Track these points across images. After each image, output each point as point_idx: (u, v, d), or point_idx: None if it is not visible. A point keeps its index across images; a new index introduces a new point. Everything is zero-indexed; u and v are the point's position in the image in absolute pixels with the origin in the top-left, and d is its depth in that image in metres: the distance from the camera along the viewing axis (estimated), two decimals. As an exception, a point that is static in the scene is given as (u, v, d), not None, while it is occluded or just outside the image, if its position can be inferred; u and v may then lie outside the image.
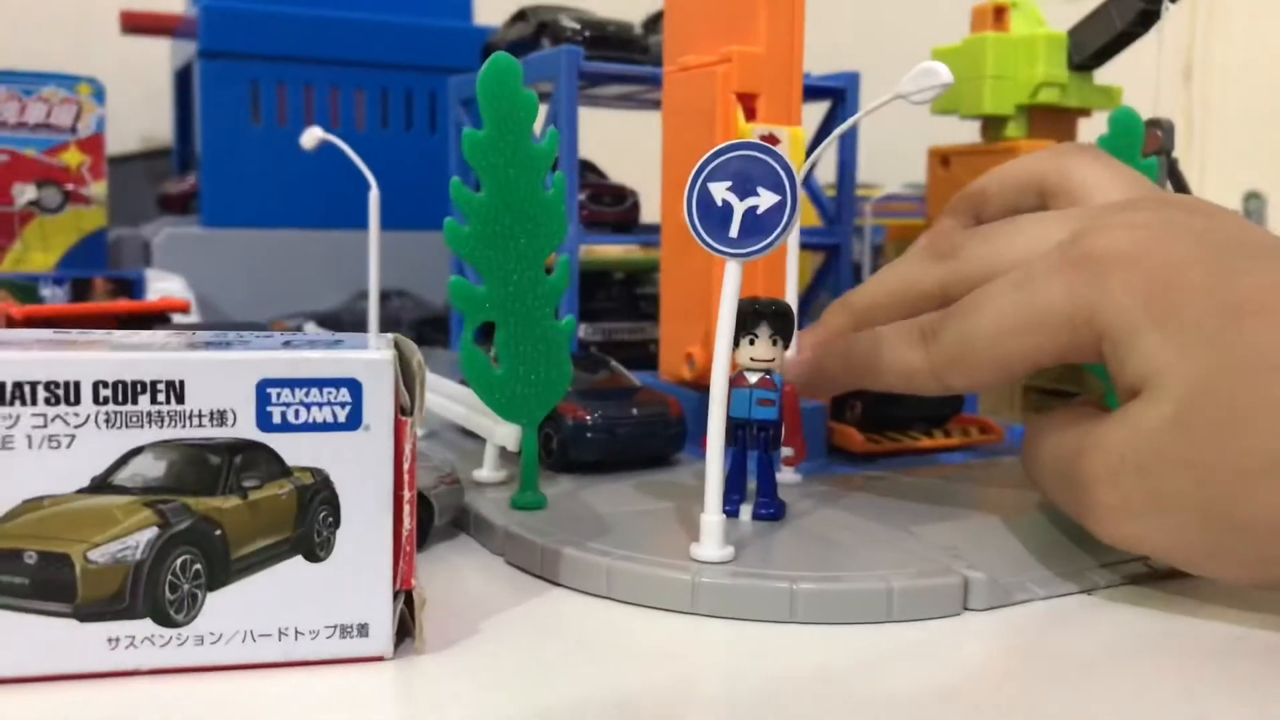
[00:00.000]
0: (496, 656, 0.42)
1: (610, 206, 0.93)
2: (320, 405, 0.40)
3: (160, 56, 1.33)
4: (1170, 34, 2.07)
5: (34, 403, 0.38)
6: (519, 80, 0.51)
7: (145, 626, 0.39)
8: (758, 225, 0.45)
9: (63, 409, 0.38)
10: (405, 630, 0.43)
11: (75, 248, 1.11)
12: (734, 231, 0.46)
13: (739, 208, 0.45)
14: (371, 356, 0.40)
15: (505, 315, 0.53)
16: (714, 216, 0.46)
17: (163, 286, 0.96)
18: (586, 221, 0.90)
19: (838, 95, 0.91)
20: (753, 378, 0.53)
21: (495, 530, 0.54)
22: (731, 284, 0.45)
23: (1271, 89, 2.04)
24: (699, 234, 0.47)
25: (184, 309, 0.83)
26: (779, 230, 0.45)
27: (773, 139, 0.64)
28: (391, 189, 0.89)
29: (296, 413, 0.40)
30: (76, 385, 0.38)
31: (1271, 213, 1.67)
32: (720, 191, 0.46)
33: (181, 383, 0.39)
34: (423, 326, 1.12)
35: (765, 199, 0.45)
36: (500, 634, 0.45)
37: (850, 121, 0.61)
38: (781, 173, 0.45)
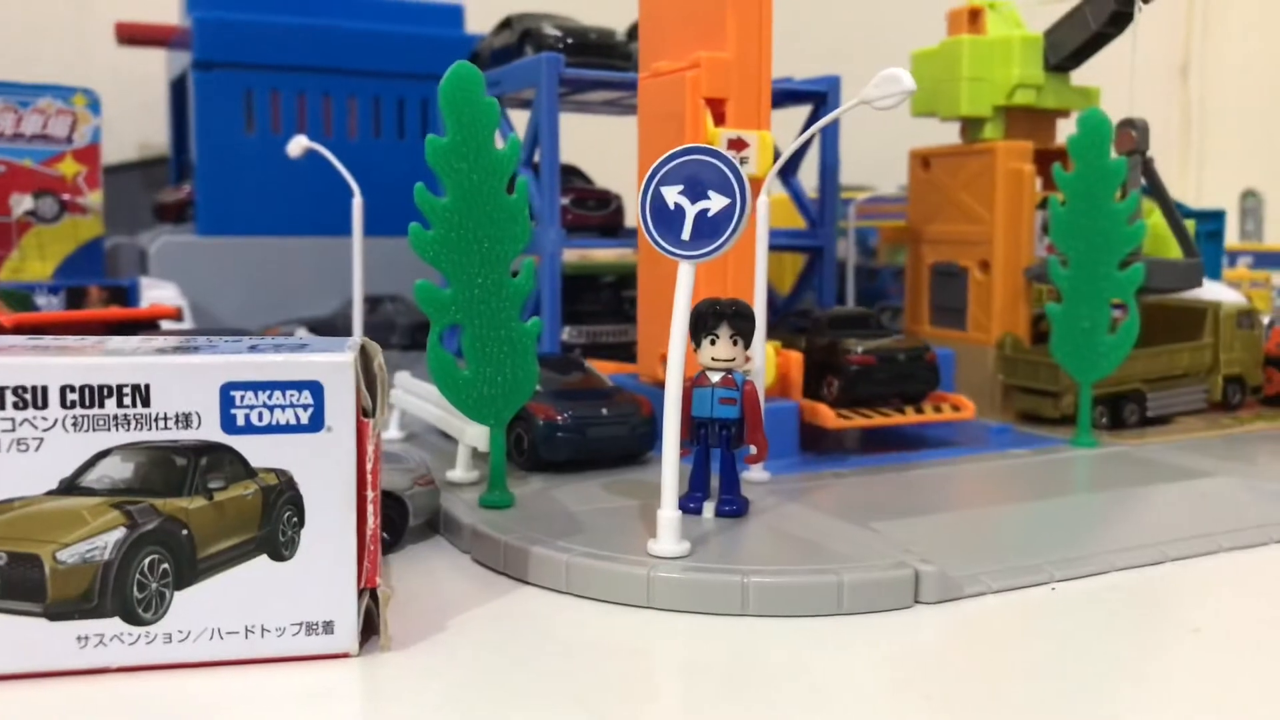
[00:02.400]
0: (460, 652, 0.43)
1: (594, 210, 0.94)
2: (283, 407, 0.41)
3: (156, 67, 1.34)
4: (1166, 32, 2.07)
5: (3, 407, 0.39)
6: (480, 87, 0.53)
7: (114, 625, 0.40)
8: (709, 228, 0.47)
9: (31, 413, 0.39)
10: (371, 627, 0.43)
11: (72, 257, 1.12)
12: (686, 234, 0.47)
13: (690, 211, 0.47)
14: (332, 359, 0.41)
15: (470, 318, 0.54)
16: (667, 219, 0.47)
17: (155, 294, 0.97)
18: (571, 225, 0.91)
19: (819, 98, 0.91)
20: (714, 377, 0.54)
21: (463, 529, 0.55)
22: (685, 285, 0.47)
23: (1269, 87, 2.04)
24: (652, 236, 0.48)
25: (173, 315, 0.85)
26: (729, 232, 0.46)
27: (741, 143, 0.65)
28: (384, 196, 0.90)
29: (260, 415, 0.41)
30: (44, 390, 0.39)
31: (1269, 211, 1.67)
32: (673, 195, 0.47)
33: (147, 386, 0.40)
34: (416, 331, 1.14)
35: (716, 202, 0.46)
36: (464, 630, 0.45)
37: (816, 126, 0.62)
38: (731, 177, 0.46)
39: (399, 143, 1.26)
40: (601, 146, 1.08)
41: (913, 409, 0.73)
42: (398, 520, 0.55)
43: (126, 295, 1.00)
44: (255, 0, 1.21)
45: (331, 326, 1.12)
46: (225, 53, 1.18)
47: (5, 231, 1.09)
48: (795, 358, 0.71)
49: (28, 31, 1.34)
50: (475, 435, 0.60)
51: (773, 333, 0.74)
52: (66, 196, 1.11)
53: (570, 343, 0.91)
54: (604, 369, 0.78)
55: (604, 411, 0.65)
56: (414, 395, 0.72)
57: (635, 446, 0.67)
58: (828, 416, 0.69)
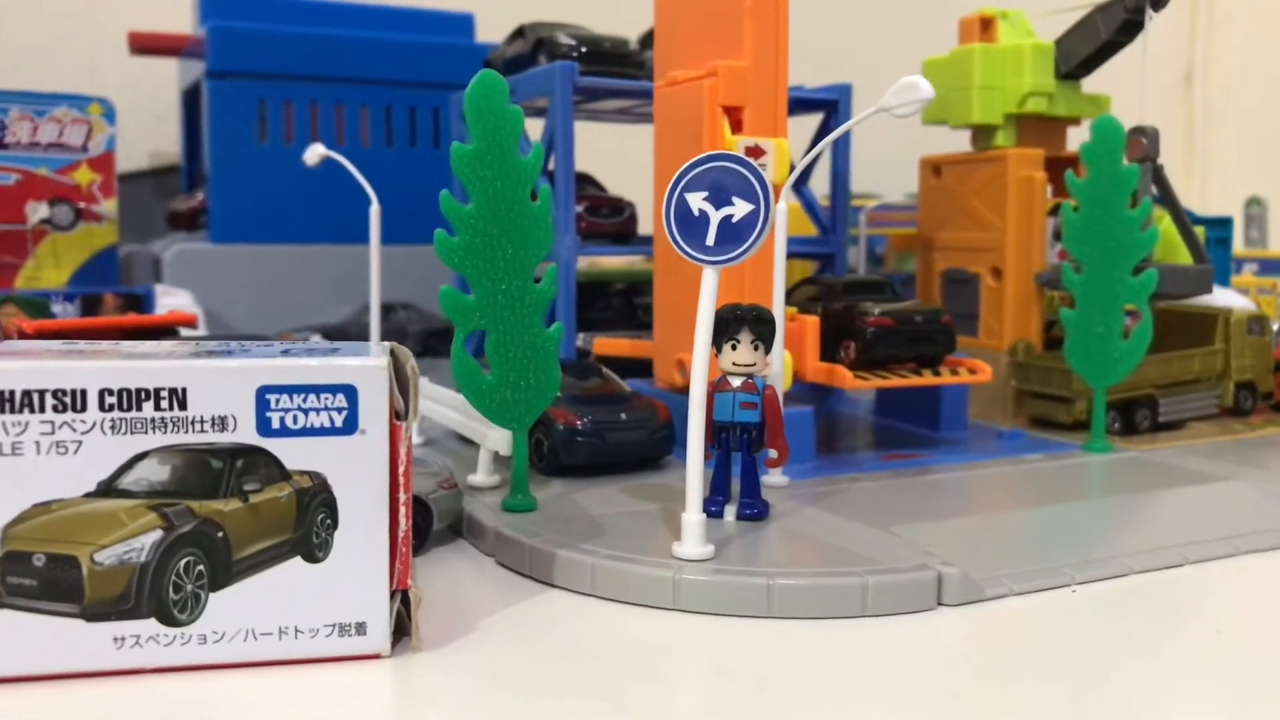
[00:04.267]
0: (489, 653, 0.44)
1: (608, 218, 0.95)
2: (318, 411, 0.41)
3: (168, 76, 1.35)
4: (1171, 39, 2.08)
5: (42, 410, 0.39)
6: (505, 96, 0.53)
7: (150, 626, 0.40)
8: (733, 233, 0.47)
9: (70, 416, 0.40)
10: (402, 629, 0.44)
11: (87, 264, 1.13)
12: (710, 240, 0.48)
13: (715, 217, 0.47)
14: (366, 363, 0.42)
15: (494, 323, 0.55)
16: (692, 225, 0.48)
17: (170, 301, 0.98)
18: (584, 233, 0.92)
19: (830, 106, 0.92)
20: (735, 382, 0.55)
21: (486, 532, 0.55)
22: (709, 290, 0.47)
23: (1272, 93, 2.04)
24: (677, 242, 0.48)
25: (191, 323, 0.85)
26: (754, 238, 0.47)
27: (758, 150, 0.65)
28: (396, 204, 0.90)
29: (295, 418, 0.41)
30: (83, 393, 0.40)
31: (1272, 217, 1.68)
32: (697, 201, 0.48)
33: (184, 390, 0.40)
34: (428, 339, 1.14)
35: (740, 208, 0.47)
36: (493, 632, 0.46)
37: (834, 134, 0.63)
38: (755, 183, 0.47)
39: (410, 151, 1.27)
40: (613, 154, 1.09)
41: (929, 371, 0.73)
42: (422, 524, 0.56)
43: (141, 302, 1.01)
44: (268, 10, 1.22)
45: (345, 333, 1.13)
46: (238, 62, 1.19)
47: (21, 239, 1.10)
48: (811, 322, 0.71)
49: (42, 41, 1.35)
50: (497, 439, 0.61)
51: (787, 299, 0.74)
52: (82, 204, 1.12)
53: (585, 348, 0.92)
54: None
55: (623, 416, 0.66)
56: (433, 401, 0.73)
57: (653, 451, 0.67)
58: (845, 378, 0.69)
